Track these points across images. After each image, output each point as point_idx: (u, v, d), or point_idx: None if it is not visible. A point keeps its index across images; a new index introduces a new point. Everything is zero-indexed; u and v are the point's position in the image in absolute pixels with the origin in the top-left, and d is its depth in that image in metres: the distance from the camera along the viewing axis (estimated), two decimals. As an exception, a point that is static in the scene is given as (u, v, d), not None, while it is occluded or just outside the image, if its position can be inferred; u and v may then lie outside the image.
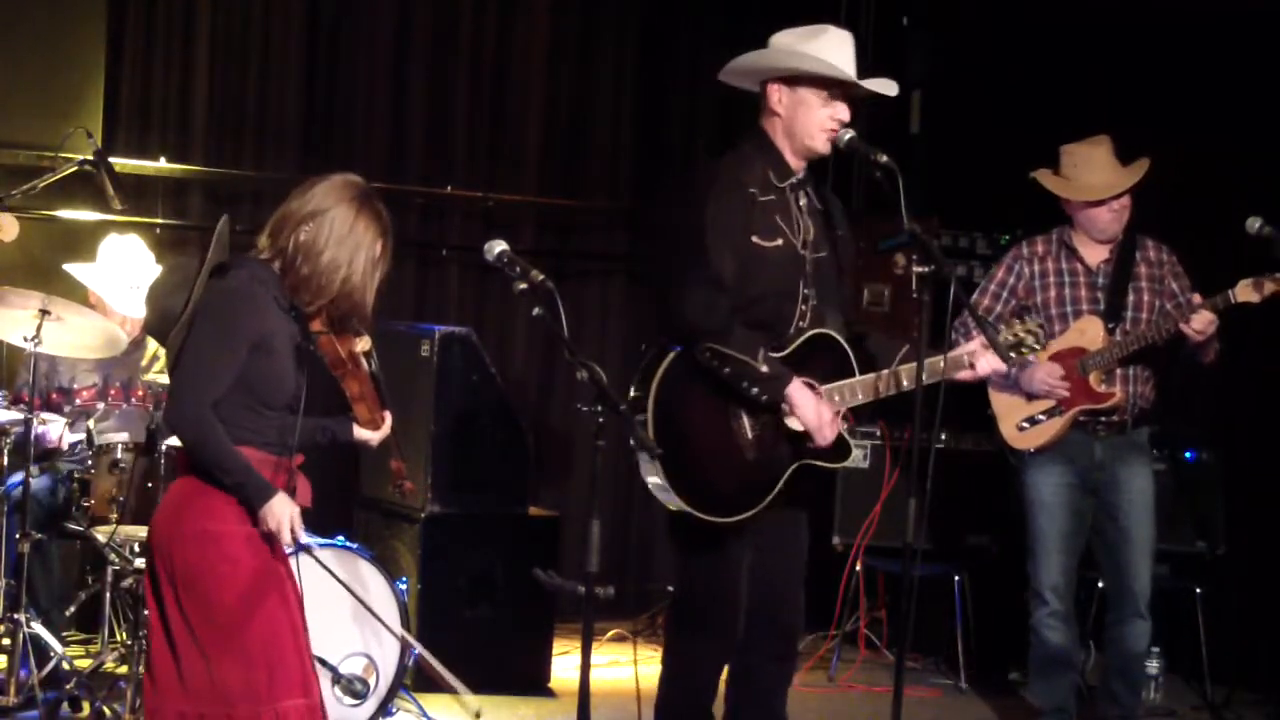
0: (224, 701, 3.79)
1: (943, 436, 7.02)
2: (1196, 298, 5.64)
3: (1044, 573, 5.82)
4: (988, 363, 4.68)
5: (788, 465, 4.60)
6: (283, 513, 3.83)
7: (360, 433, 4.18)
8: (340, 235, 3.84)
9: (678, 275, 4.55)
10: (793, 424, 4.58)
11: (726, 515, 4.55)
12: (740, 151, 4.69)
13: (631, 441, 4.29)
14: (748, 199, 4.56)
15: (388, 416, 4.21)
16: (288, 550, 3.94)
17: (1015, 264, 5.90)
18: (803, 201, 4.68)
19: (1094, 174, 5.77)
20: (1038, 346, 4.69)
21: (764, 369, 4.49)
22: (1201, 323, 5.51)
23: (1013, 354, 4.66)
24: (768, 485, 4.58)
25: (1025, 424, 5.81)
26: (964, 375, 4.73)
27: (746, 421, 4.57)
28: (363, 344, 4.14)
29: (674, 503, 4.52)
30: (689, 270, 4.52)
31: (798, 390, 4.54)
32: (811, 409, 4.54)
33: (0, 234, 5.78)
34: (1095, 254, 5.83)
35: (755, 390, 4.51)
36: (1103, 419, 5.77)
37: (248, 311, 3.81)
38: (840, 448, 4.66)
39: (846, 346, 4.66)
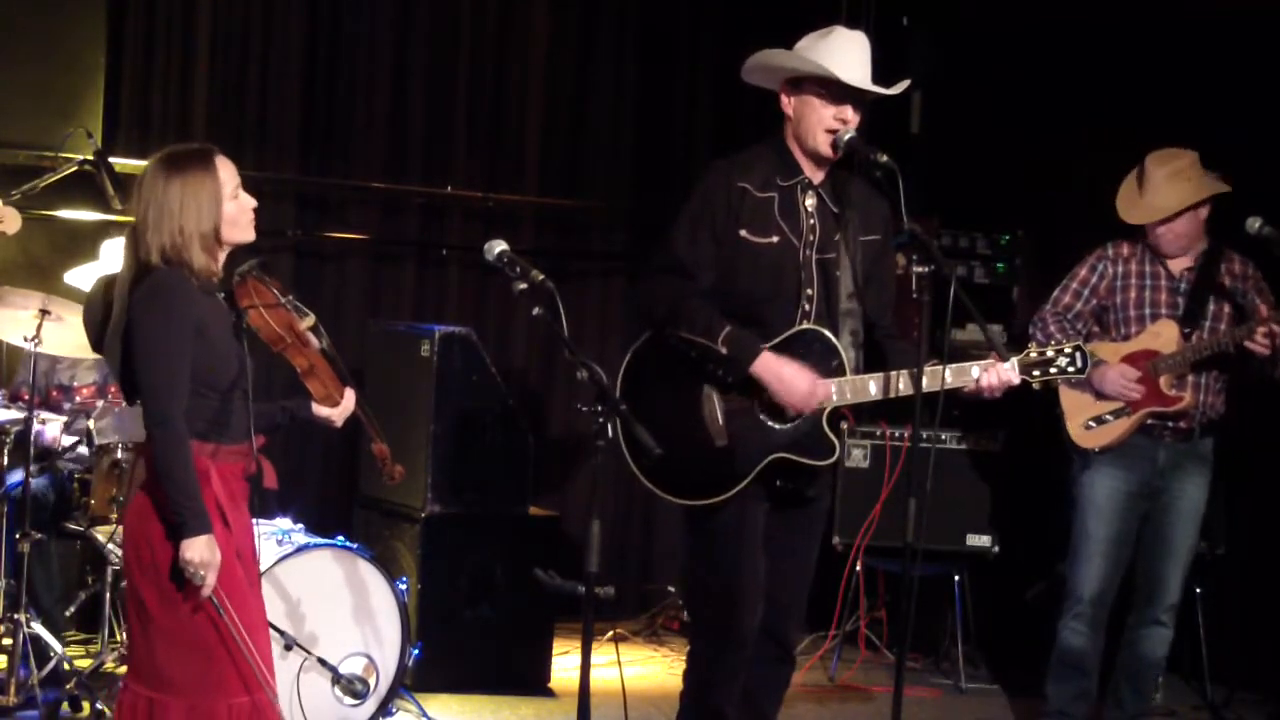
0: (170, 690, 3.87)
1: (942, 436, 7.02)
2: (1262, 310, 5.59)
3: (1083, 576, 5.79)
4: (993, 376, 4.47)
5: (760, 458, 4.54)
6: (209, 556, 3.81)
7: (320, 410, 4.18)
8: (159, 201, 3.87)
9: (646, 265, 4.64)
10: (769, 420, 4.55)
11: (692, 498, 4.54)
12: (747, 150, 4.69)
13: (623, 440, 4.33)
14: (736, 192, 4.56)
15: (349, 393, 4.19)
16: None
17: (1099, 264, 5.83)
18: (811, 202, 4.64)
19: (1150, 194, 5.69)
20: (1065, 379, 4.57)
21: (723, 350, 4.45)
22: (1264, 338, 5.46)
23: (1036, 373, 4.52)
24: (736, 475, 4.53)
25: (1092, 423, 5.76)
26: (969, 388, 4.49)
27: (719, 407, 4.55)
28: (306, 321, 4.14)
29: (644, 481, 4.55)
30: (654, 259, 4.60)
31: (764, 363, 4.45)
32: (781, 378, 4.44)
33: (3, 226, 5.76)
34: (1178, 261, 5.76)
35: (720, 372, 4.51)
36: (1170, 424, 5.71)
37: (181, 300, 3.85)
38: (823, 445, 4.58)
39: (838, 344, 4.57)
